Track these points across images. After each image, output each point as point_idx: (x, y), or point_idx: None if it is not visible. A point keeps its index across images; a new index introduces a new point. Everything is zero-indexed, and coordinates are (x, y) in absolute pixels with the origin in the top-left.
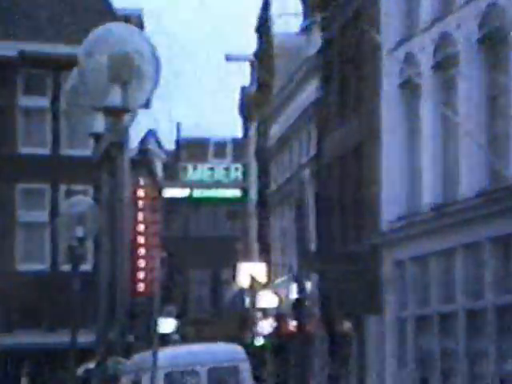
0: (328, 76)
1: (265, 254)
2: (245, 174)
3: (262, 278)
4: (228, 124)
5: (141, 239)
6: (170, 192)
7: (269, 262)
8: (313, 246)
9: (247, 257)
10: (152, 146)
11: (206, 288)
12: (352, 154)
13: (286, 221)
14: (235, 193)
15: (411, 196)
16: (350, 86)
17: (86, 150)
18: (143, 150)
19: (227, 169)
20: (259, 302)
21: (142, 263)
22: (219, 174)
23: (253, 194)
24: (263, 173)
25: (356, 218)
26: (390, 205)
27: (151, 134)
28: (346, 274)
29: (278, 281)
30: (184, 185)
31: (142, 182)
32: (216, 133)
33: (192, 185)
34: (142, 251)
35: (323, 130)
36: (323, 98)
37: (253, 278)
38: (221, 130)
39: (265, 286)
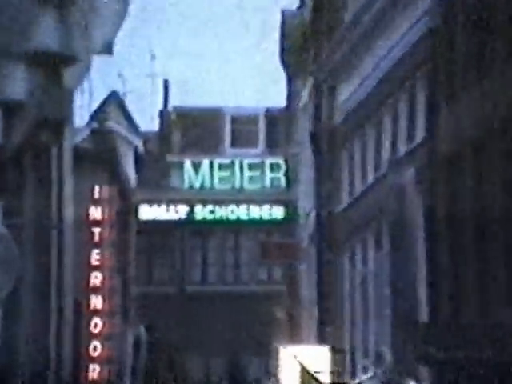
0: None
1: (329, 327)
2: (290, 175)
3: (325, 374)
4: (256, 84)
5: (96, 301)
6: (150, 211)
7: (337, 345)
8: (423, 314)
9: (296, 333)
10: (116, 123)
11: None
12: (498, 135)
13: (369, 263)
14: (274, 211)
15: None
16: (493, 4)
17: None
18: (100, 131)
19: (258, 166)
20: None
21: (97, 347)
22: (243, 176)
23: (305, 214)
24: (325, 174)
25: (509, 259)
26: None
27: (114, 100)
28: (488, 369)
29: (356, 381)
30: (178, 197)
31: (98, 193)
32: (235, 99)
33: (192, 197)
34: (98, 323)
35: (441, 93)
36: (441, 30)
37: (306, 374)
38: (243, 95)
39: None
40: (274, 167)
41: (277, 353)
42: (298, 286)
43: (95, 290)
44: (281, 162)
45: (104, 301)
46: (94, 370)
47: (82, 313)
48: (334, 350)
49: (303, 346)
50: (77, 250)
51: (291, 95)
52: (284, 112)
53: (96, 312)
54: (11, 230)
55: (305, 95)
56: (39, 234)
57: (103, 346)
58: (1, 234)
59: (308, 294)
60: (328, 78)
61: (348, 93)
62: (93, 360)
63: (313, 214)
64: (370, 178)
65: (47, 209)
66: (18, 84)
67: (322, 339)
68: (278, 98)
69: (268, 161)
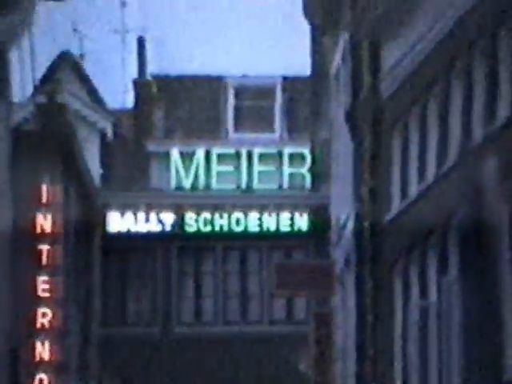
0: None
1: None
2: (318, 171)
3: None
4: (270, 43)
5: (43, 348)
6: (123, 221)
7: None
8: (510, 369)
9: None
10: (72, 96)
11: None
12: None
13: (430, 294)
14: (295, 221)
15: None
16: None
17: None
18: (49, 107)
19: (274, 158)
20: None
21: None
22: (253, 171)
23: (340, 225)
24: (368, 168)
25: None
26: None
27: (68, 64)
28: None
29: None
30: (161, 202)
31: (46, 195)
32: (241, 65)
33: (182, 201)
34: (44, 380)
35: None
36: None
37: None
38: (252, 59)
39: None
40: (295, 159)
41: None
42: (328, 328)
43: (41, 334)
44: (305, 151)
45: (53, 348)
46: None
47: (21, 366)
48: None
49: None
50: (15, 276)
51: (318, 58)
52: (309, 82)
53: (42, 364)
54: None
55: (337, 58)
56: None
57: None
58: None
59: (343, 338)
60: (371, 32)
61: (400, 53)
62: None
63: (350, 225)
64: (432, 173)
65: None
66: None
67: None
68: (300, 63)
69: (287, 150)
